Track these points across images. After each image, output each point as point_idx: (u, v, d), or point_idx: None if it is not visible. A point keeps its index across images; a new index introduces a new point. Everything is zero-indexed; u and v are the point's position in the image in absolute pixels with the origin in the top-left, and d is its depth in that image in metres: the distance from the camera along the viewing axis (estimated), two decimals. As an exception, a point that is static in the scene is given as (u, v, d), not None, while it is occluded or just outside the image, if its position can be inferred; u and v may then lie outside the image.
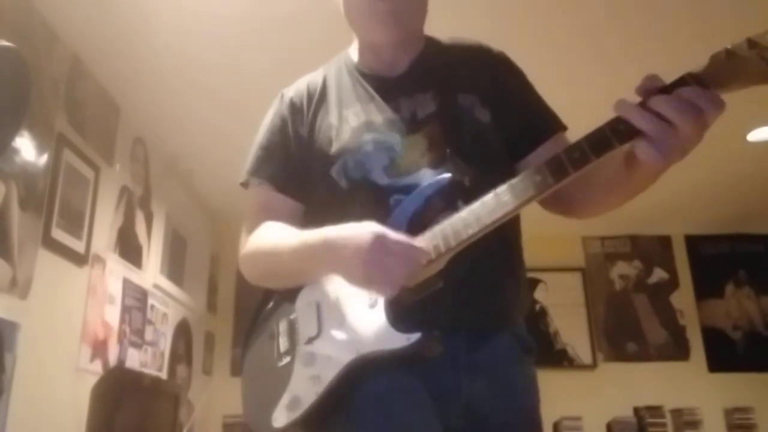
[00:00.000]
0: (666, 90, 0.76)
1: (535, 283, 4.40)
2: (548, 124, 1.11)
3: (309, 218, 1.11)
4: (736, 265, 4.60)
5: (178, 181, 3.57)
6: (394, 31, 1.08)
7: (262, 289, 1.13)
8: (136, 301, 2.93)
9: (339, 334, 0.95)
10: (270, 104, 1.20)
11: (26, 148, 2.08)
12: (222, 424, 3.89)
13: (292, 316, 1.03)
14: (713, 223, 4.48)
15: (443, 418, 0.93)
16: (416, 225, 0.93)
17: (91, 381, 2.32)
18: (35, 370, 2.06)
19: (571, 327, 4.43)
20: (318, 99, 1.14)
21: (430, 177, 0.98)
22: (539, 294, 4.43)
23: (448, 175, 0.95)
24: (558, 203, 1.04)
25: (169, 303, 3.42)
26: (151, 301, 3.11)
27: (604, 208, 1.01)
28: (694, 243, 4.65)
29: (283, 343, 1.02)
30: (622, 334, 4.45)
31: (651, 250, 4.67)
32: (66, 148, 2.33)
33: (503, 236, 0.96)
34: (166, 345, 3.33)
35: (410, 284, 0.88)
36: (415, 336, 0.87)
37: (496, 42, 1.18)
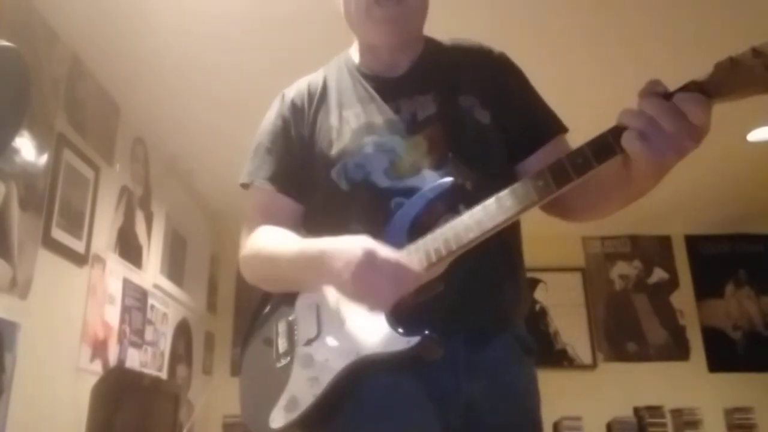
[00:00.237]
0: (668, 96, 0.76)
1: (535, 283, 4.40)
2: (549, 126, 1.11)
3: (309, 220, 1.11)
4: (736, 265, 4.59)
5: (178, 181, 3.57)
6: (392, 34, 1.08)
7: (262, 289, 1.13)
8: (136, 301, 2.93)
9: (338, 336, 0.95)
10: (270, 104, 1.20)
11: (26, 148, 2.08)
12: (222, 424, 3.89)
13: (291, 318, 1.03)
14: (713, 223, 4.47)
15: (443, 419, 0.93)
16: (418, 228, 0.93)
17: (91, 381, 2.32)
18: (35, 370, 2.06)
19: (571, 327, 4.43)
20: (319, 99, 1.13)
21: (431, 179, 0.98)
22: (539, 294, 4.43)
23: (449, 179, 0.95)
24: (558, 207, 1.04)
25: (169, 303, 3.42)
26: (151, 301, 3.11)
27: (603, 213, 1.02)
28: (694, 243, 4.65)
29: (281, 344, 1.02)
30: (622, 334, 4.45)
31: (651, 250, 4.67)
32: (66, 148, 2.33)
33: (503, 239, 0.96)
34: (166, 345, 3.33)
35: (398, 299, 0.87)
36: (415, 339, 0.87)
37: (495, 43, 1.18)
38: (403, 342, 0.87)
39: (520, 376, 1.05)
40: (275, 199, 1.11)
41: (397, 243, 0.92)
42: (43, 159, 2.19)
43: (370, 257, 0.85)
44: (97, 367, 2.49)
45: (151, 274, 3.15)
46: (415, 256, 0.90)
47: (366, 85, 1.12)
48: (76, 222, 2.39)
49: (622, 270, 4.63)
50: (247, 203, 1.16)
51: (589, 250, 4.66)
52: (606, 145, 0.79)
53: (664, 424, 4.05)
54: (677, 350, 4.42)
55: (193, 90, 2.76)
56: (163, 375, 3.25)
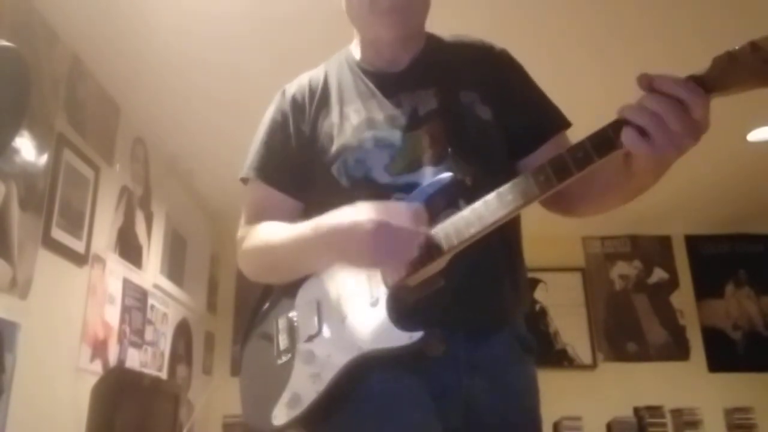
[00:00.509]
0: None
1: (535, 283, 4.40)
2: (552, 121, 1.11)
3: (309, 216, 1.10)
4: (736, 265, 4.60)
5: (178, 181, 3.57)
6: (396, 27, 1.07)
7: (261, 286, 1.13)
8: (136, 301, 2.93)
9: (340, 333, 0.95)
10: (270, 104, 1.20)
11: (26, 148, 2.08)
12: (222, 424, 3.89)
13: (291, 314, 1.02)
14: (713, 223, 4.48)
15: (443, 418, 0.93)
16: None
17: (91, 381, 2.32)
18: (35, 370, 2.06)
19: (571, 327, 4.43)
20: (320, 96, 1.13)
21: (431, 175, 0.98)
22: (539, 294, 4.43)
23: (449, 174, 0.95)
24: (559, 202, 1.04)
25: (169, 303, 3.42)
26: (151, 301, 3.11)
27: (604, 208, 1.02)
28: (694, 243, 4.65)
29: (282, 341, 1.01)
30: (622, 334, 4.45)
31: (651, 250, 4.67)
32: (66, 148, 2.33)
33: (504, 235, 0.96)
34: (166, 345, 3.33)
35: (412, 282, 0.88)
36: (418, 334, 0.87)
37: (495, 41, 1.18)
38: (405, 337, 0.87)
39: (520, 375, 1.05)
40: (273, 195, 1.12)
41: None
42: (43, 159, 2.19)
43: (384, 226, 0.86)
44: (97, 367, 2.49)
45: (151, 274, 3.15)
46: None
47: (367, 81, 1.12)
48: (76, 222, 2.39)
49: (622, 270, 4.63)
50: (245, 197, 1.17)
51: (589, 250, 4.66)
52: (607, 140, 0.79)
53: (664, 424, 4.05)
54: (677, 350, 4.42)
55: (193, 90, 2.76)
56: (163, 375, 3.25)
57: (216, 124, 3.02)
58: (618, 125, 0.79)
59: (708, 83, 0.75)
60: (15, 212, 2.00)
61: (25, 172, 2.07)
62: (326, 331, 0.96)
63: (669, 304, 4.53)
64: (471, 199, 0.89)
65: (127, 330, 2.81)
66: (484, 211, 0.87)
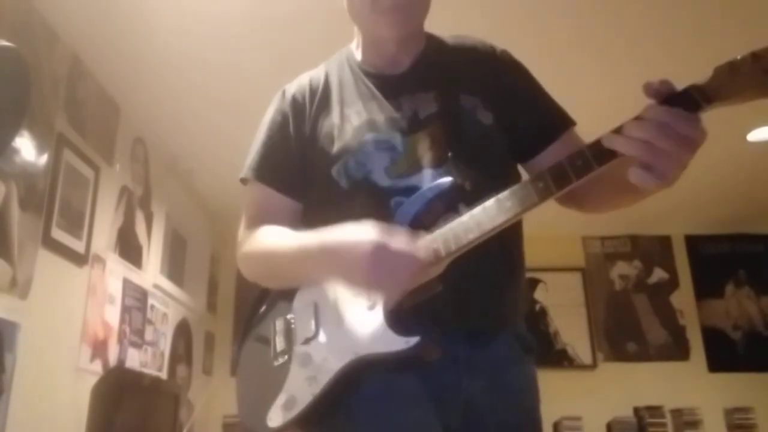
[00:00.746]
0: (670, 100, 0.76)
1: (535, 283, 4.40)
2: (557, 121, 1.10)
3: (308, 217, 1.10)
4: (736, 265, 4.59)
5: (178, 181, 3.57)
6: (397, 26, 1.07)
7: (260, 287, 1.12)
8: (136, 301, 2.93)
9: (337, 336, 0.94)
10: (270, 104, 1.20)
11: (26, 148, 2.08)
12: (222, 424, 3.89)
13: (288, 316, 1.02)
14: (713, 223, 4.47)
15: (443, 418, 0.93)
16: (417, 228, 0.93)
17: (91, 381, 2.32)
18: (35, 370, 2.06)
19: (571, 327, 4.43)
20: (320, 96, 1.13)
21: (431, 178, 0.98)
22: (539, 294, 4.43)
23: (449, 179, 0.95)
24: (572, 200, 1.04)
25: (169, 303, 3.42)
26: (151, 301, 3.11)
27: (617, 206, 1.02)
28: (694, 243, 4.65)
29: (279, 343, 1.01)
30: (622, 334, 4.45)
31: (651, 250, 4.67)
32: (66, 148, 2.33)
33: (503, 239, 0.96)
34: (166, 345, 3.33)
35: (410, 288, 0.88)
36: (414, 339, 0.86)
37: (495, 42, 1.18)
38: (401, 342, 0.87)
39: (520, 375, 1.05)
40: (273, 197, 1.11)
41: None
42: (43, 159, 2.19)
43: (382, 249, 0.85)
44: (97, 367, 2.49)
45: (151, 274, 3.15)
46: None
47: (368, 82, 1.12)
48: (76, 222, 2.39)
49: (622, 270, 4.63)
50: (245, 198, 1.16)
51: (589, 250, 4.66)
52: (606, 149, 0.79)
53: (664, 424, 4.05)
54: (677, 350, 4.42)
55: (193, 90, 2.76)
56: (163, 375, 3.25)
57: (216, 124, 3.02)
58: (617, 132, 0.79)
59: (709, 93, 0.75)
60: (15, 212, 2.00)
61: (25, 172, 2.06)
62: (323, 334, 0.96)
63: (669, 304, 4.53)
64: (470, 203, 0.89)
65: (127, 330, 2.81)
66: (483, 217, 0.87)
